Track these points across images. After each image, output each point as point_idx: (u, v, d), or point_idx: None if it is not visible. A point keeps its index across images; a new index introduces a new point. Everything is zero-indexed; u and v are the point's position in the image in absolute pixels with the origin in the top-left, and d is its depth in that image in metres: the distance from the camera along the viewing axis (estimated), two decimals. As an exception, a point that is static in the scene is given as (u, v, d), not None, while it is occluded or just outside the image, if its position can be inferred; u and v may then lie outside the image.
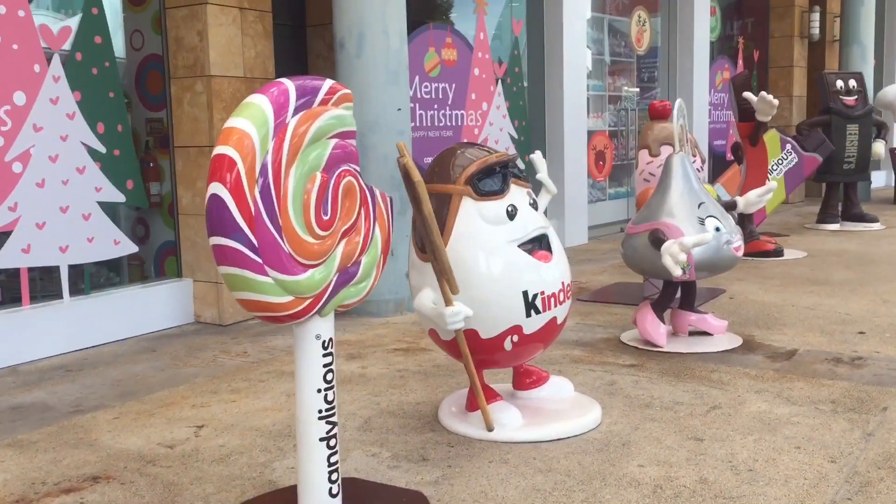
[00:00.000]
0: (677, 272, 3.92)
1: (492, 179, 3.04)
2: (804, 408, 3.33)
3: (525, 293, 3.00)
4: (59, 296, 4.68)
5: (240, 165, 2.02)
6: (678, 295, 4.52)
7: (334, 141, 2.26)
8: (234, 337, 4.83)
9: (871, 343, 4.31)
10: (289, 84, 2.16)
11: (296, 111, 2.15)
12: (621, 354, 4.22)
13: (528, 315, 3.02)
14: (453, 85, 7.22)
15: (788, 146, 8.76)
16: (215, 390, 3.78)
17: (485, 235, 3.01)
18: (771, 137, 8.80)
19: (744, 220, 7.33)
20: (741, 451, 2.90)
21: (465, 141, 3.41)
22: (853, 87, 9.40)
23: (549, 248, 3.14)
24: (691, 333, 4.52)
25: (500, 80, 7.77)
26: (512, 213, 3.04)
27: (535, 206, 3.16)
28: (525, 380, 3.41)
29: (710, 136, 11.25)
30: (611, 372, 3.90)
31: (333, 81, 2.29)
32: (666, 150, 5.37)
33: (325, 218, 2.23)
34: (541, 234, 3.13)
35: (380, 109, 5.13)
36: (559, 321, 3.14)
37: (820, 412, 3.28)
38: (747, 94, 6.89)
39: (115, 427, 3.33)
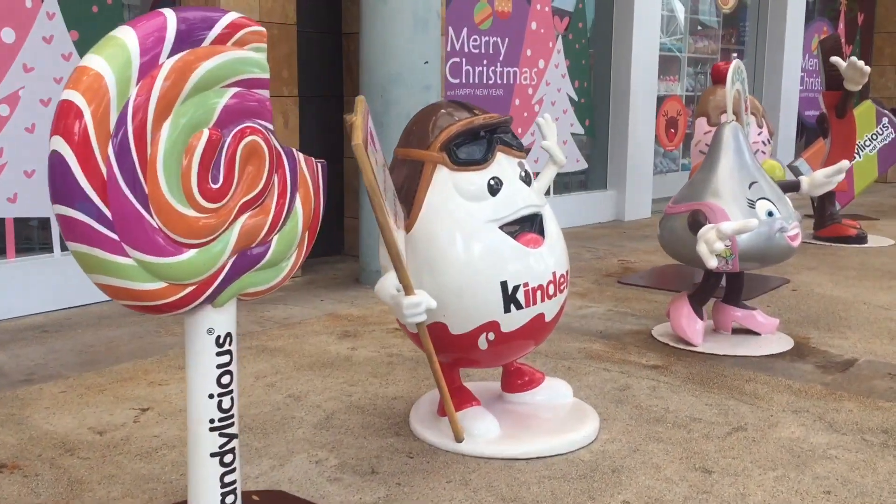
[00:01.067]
0: (712, 262, 3.34)
1: (473, 146, 2.55)
2: (848, 437, 2.75)
3: (504, 284, 2.51)
4: (50, 250, 4.41)
5: (87, 116, 1.59)
6: (723, 286, 3.94)
7: (234, 90, 1.81)
8: (233, 303, 4.49)
9: None
10: (168, 14, 1.71)
11: (175, 49, 1.70)
12: (647, 352, 3.68)
13: (508, 310, 2.52)
14: (506, 39, 6.65)
15: (885, 120, 7.87)
16: (182, 365, 3.43)
17: (460, 212, 2.52)
18: (865, 109, 7.94)
19: (824, 202, 6.60)
20: (755, 493, 2.36)
21: (455, 99, 2.85)
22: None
23: (541, 232, 2.63)
24: (735, 331, 3.94)
25: (560, 36, 7.14)
26: (495, 188, 2.54)
27: (527, 179, 2.65)
28: (515, 381, 2.93)
29: (801, 105, 10.33)
30: (627, 374, 3.38)
31: (240, 15, 1.83)
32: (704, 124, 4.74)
33: (215, 186, 1.79)
34: (532, 213, 2.62)
35: (404, 61, 4.64)
36: (548, 318, 2.63)
37: (867, 444, 2.69)
38: (835, 59, 6.10)
39: (55, 403, 3.01)
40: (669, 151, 8.75)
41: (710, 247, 3.30)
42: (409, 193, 2.56)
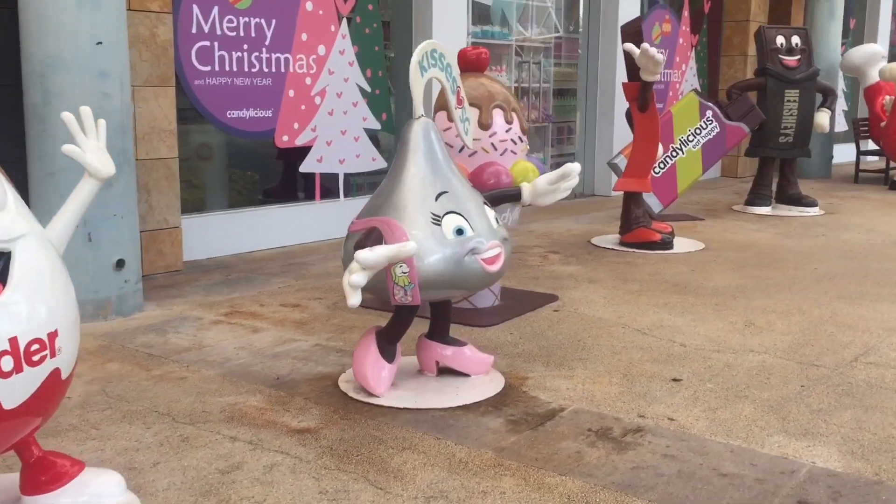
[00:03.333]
0: (352, 300, 2.61)
1: None
2: (472, 542, 2.06)
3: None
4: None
5: None
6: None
7: None
8: None
9: (676, 401, 3.03)
10: None
11: None
12: (310, 409, 2.94)
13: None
14: (272, 21, 5.83)
15: (709, 113, 7.39)
16: None
17: None
18: (688, 102, 7.46)
19: (629, 203, 6.04)
20: None
21: None
22: (796, 44, 7.98)
23: (2, 278, 1.84)
24: (443, 372, 3.24)
25: (344, 19, 6.37)
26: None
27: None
28: (36, 477, 2.13)
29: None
30: (255, 445, 2.62)
31: None
32: (471, 115, 4.04)
33: None
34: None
35: (69, 41, 3.78)
36: (6, 406, 1.83)
37: (488, 555, 2.00)
38: (627, 46, 5.51)
39: None
40: (489, 147, 8.08)
41: (351, 282, 2.57)
42: None
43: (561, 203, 7.70)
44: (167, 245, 5.02)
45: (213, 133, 5.74)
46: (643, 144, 5.95)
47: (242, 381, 3.19)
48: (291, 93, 6.00)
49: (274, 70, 5.88)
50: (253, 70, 5.75)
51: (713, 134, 7.41)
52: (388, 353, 3.08)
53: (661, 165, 7.37)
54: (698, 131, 7.40)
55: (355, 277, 2.54)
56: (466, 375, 3.23)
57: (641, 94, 5.73)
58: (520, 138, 4.17)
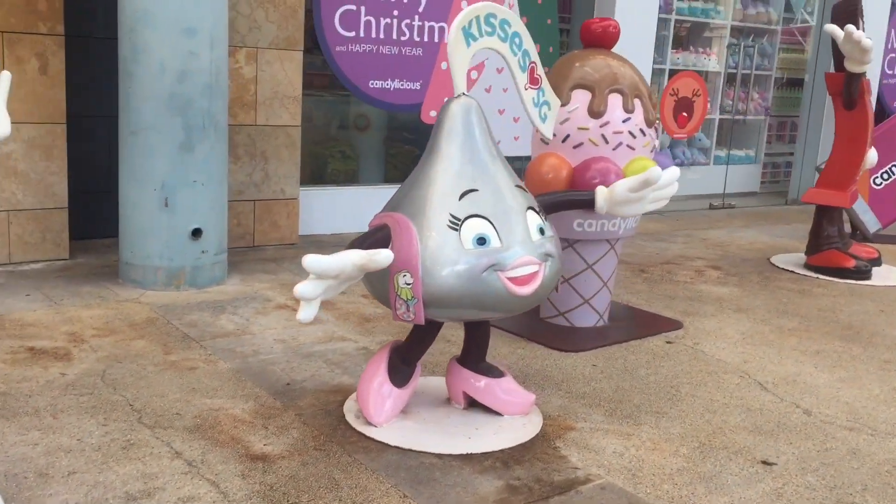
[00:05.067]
0: (301, 314, 2.13)
1: None
2: None
3: None
4: None
5: None
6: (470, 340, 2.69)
7: None
8: None
9: (750, 494, 2.27)
10: None
11: None
12: (294, 428, 2.51)
13: None
14: (429, -13, 5.42)
15: (957, 117, 6.05)
16: None
17: None
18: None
19: (822, 217, 5.02)
20: None
21: None
22: None
23: None
24: (475, 403, 2.69)
25: (514, -12, 5.82)
26: None
27: None
28: None
29: (888, 95, 8.37)
30: (192, 467, 2.24)
31: None
32: (581, 98, 3.40)
33: None
34: None
35: (156, -6, 3.60)
36: None
37: None
38: (829, 28, 4.50)
39: None
40: (680, 140, 7.19)
41: (303, 292, 2.10)
42: None
43: (762, 209, 6.57)
44: (283, 217, 4.82)
45: (353, 103, 5.46)
46: (845, 149, 4.89)
47: (249, 381, 2.84)
48: (444, 65, 5.56)
49: (426, 39, 5.47)
50: (403, 38, 5.38)
51: (961, 143, 6.06)
52: (399, 376, 2.58)
53: (885, 176, 6.15)
54: (941, 138, 6.07)
55: (302, 287, 2.07)
56: (499, 414, 2.66)
57: (846, 88, 4.69)
58: (641, 131, 3.44)
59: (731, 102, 7.48)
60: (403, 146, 6.31)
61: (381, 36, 5.27)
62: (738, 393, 3.01)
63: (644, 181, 2.62)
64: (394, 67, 5.37)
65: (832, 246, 4.98)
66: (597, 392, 2.94)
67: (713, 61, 7.52)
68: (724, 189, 7.56)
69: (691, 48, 7.45)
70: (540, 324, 3.68)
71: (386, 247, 2.37)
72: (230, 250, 4.50)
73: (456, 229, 2.34)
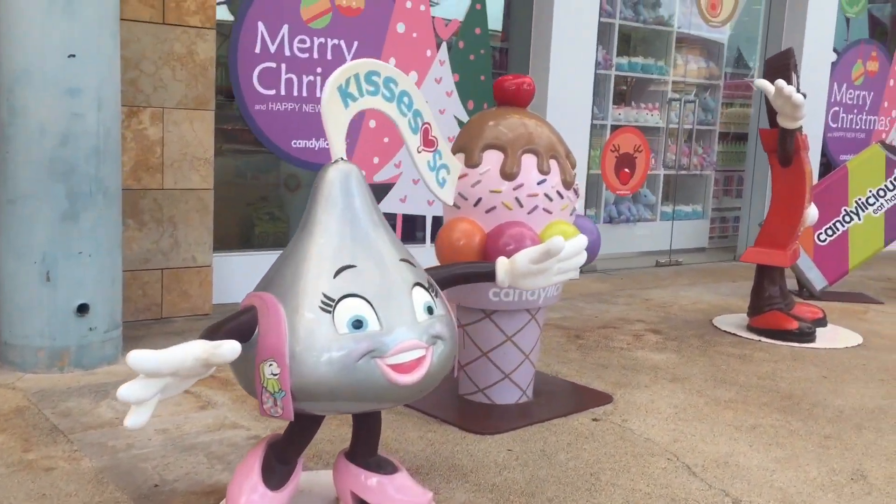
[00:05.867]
0: (129, 419, 1.84)
1: None
2: None
3: None
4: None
5: None
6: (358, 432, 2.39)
7: None
8: None
9: None
10: None
11: None
12: (147, 540, 2.20)
13: None
14: (354, 43, 5.22)
15: (899, 171, 5.96)
16: None
17: None
18: (871, 156, 6.08)
19: (763, 277, 4.83)
20: None
21: None
22: None
23: None
24: (363, 505, 2.39)
25: (443, 43, 5.65)
26: None
27: None
28: None
29: (833, 148, 8.33)
30: None
31: None
32: (493, 160, 3.17)
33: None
34: None
35: (36, 53, 3.33)
36: None
37: None
38: (759, 83, 4.36)
39: None
40: (623, 196, 7.03)
41: (127, 392, 1.81)
42: None
43: (709, 265, 6.36)
44: (194, 286, 4.51)
45: (283, 163, 5.21)
46: (783, 207, 4.72)
47: (112, 483, 2.51)
48: (372, 123, 5.35)
49: (352, 97, 5.26)
50: (316, 95, 5.16)
51: (902, 197, 5.96)
52: (275, 477, 2.27)
53: (830, 232, 6.03)
54: (882, 193, 5.98)
55: (127, 389, 1.78)
56: (388, 514, 2.36)
57: (780, 145, 4.54)
58: (559, 193, 3.21)
59: (674, 157, 7.35)
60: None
61: (304, 94, 5.05)
62: (664, 479, 2.74)
63: (545, 252, 2.37)
64: (318, 126, 5.14)
65: (774, 307, 4.78)
66: (508, 483, 2.65)
67: (656, 117, 7.41)
68: (670, 245, 7.39)
69: (633, 104, 7.34)
70: (457, 401, 3.40)
71: (251, 332, 2.10)
72: (132, 324, 4.18)
73: (329, 311, 2.07)
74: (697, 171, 7.86)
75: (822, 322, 4.99)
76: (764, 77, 4.55)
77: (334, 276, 2.11)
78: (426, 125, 2.52)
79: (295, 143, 5.08)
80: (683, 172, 7.65)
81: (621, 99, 7.34)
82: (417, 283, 2.21)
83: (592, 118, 6.81)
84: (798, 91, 4.71)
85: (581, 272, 6.45)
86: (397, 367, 2.08)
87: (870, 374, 4.09)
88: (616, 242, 7.22)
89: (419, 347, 2.12)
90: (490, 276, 2.49)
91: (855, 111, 8.50)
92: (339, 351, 2.04)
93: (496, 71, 6.07)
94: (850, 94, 8.42)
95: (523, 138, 3.21)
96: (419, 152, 2.50)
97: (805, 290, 6.01)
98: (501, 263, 2.47)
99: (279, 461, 2.29)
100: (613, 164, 6.65)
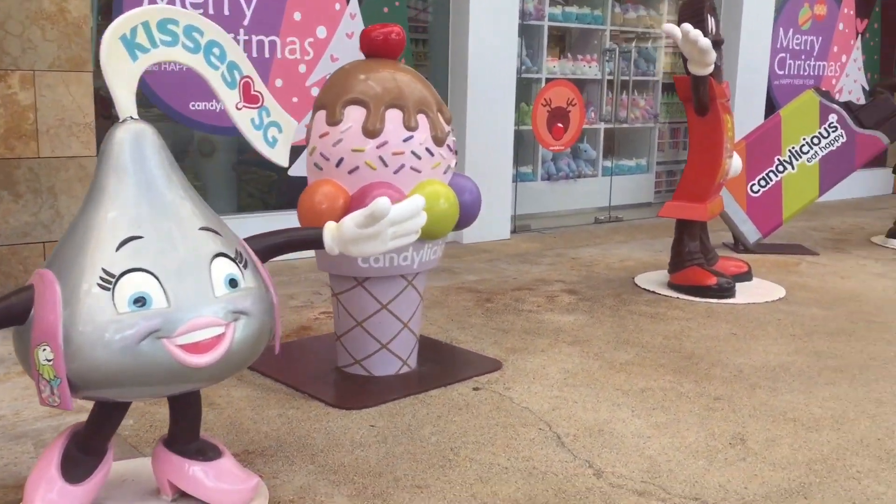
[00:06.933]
0: None
1: None
2: None
3: None
4: None
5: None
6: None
7: None
8: None
9: None
10: None
11: None
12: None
13: None
14: (253, -2, 4.94)
15: (833, 117, 5.80)
16: None
17: None
18: (804, 103, 5.90)
19: (682, 232, 4.66)
20: None
21: None
22: (970, 31, 6.07)
23: None
24: (186, 495, 2.20)
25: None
26: None
27: None
28: None
29: (780, 96, 8.12)
30: None
31: None
32: (355, 116, 2.95)
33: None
34: None
35: None
36: None
37: None
38: (667, 27, 4.14)
39: None
40: (558, 152, 6.82)
41: None
42: None
43: (651, 221, 6.28)
44: (83, 258, 4.28)
45: (172, 128, 4.96)
46: (701, 158, 4.53)
47: (-73, 478, 2.33)
48: (279, 82, 5.11)
49: (255, 55, 5.01)
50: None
51: (837, 144, 5.80)
52: (78, 470, 2.08)
53: (763, 183, 5.85)
54: (816, 140, 5.80)
55: None
56: (222, 504, 2.18)
57: (694, 93, 4.33)
58: (428, 151, 3.00)
59: (610, 109, 7.13)
60: (259, 171, 5.83)
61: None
62: (528, 451, 2.58)
63: (370, 215, 2.17)
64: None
65: (694, 262, 4.61)
66: (358, 463, 2.48)
67: (595, 68, 7.17)
68: (609, 201, 7.20)
69: (569, 55, 7.10)
70: (333, 374, 3.22)
71: (25, 314, 1.90)
72: (8, 301, 3.96)
73: (108, 289, 1.87)
74: (640, 124, 7.64)
75: (746, 276, 4.84)
76: (679, 22, 4.33)
77: (117, 249, 1.91)
78: (246, 79, 2.30)
79: (193, 106, 4.83)
80: (626, 126, 7.44)
81: (556, 51, 7.09)
82: (221, 254, 2.01)
83: (525, 71, 6.58)
84: (717, 35, 4.52)
85: (515, 231, 6.34)
86: (189, 347, 1.89)
87: (782, 330, 3.94)
88: (555, 200, 7.04)
89: (216, 325, 1.93)
90: (318, 243, 2.28)
91: (802, 57, 8.29)
92: (118, 332, 1.84)
93: (413, 24, 5.82)
94: (798, 39, 8.20)
95: (389, 93, 2.99)
96: (239, 109, 2.28)
97: (741, 244, 5.85)
98: (328, 229, 2.27)
99: (83, 452, 2.10)
100: (546, 119, 6.42)
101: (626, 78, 7.20)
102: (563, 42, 7.27)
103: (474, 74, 5.79)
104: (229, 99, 2.27)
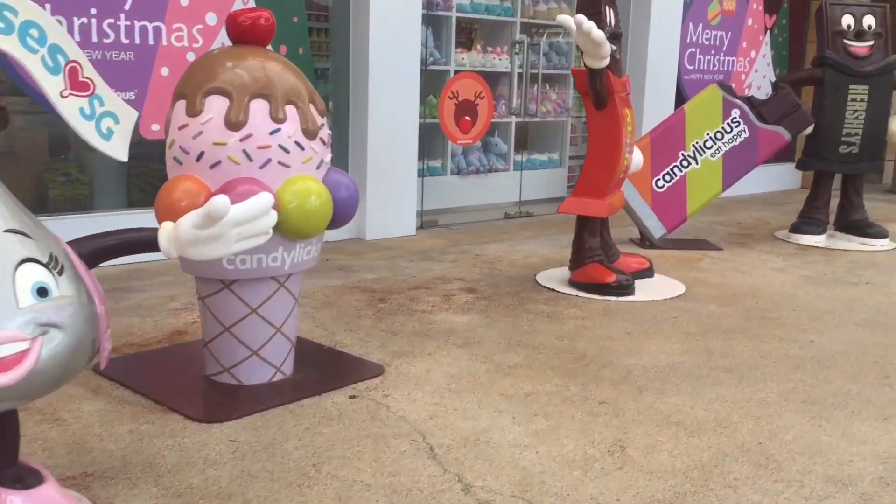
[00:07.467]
0: None
1: None
2: None
3: None
4: None
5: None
6: None
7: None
8: None
9: None
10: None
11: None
12: None
13: None
14: None
15: (735, 112, 5.79)
16: None
17: None
18: (708, 97, 5.87)
19: (583, 229, 4.56)
20: None
21: None
22: (869, 27, 6.14)
23: None
24: (4, 525, 1.99)
25: None
26: None
27: None
28: None
29: (690, 91, 8.14)
30: None
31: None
32: (217, 107, 2.74)
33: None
34: None
35: None
36: None
37: None
38: (560, 18, 4.04)
39: None
40: (467, 146, 6.68)
41: None
42: None
43: (562, 216, 6.13)
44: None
45: (49, 119, 4.65)
46: (600, 153, 4.44)
47: None
48: (165, 71, 4.84)
49: (139, 42, 4.73)
50: (106, 41, 4.61)
51: (740, 139, 5.79)
52: None
53: (668, 178, 5.81)
54: (720, 136, 5.79)
55: None
56: (35, 535, 1.97)
57: (591, 86, 4.23)
58: (298, 144, 2.81)
59: (520, 103, 7.02)
60: (151, 164, 5.53)
61: (77, 38, 4.49)
62: (396, 466, 2.42)
63: (206, 215, 1.98)
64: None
65: (594, 259, 4.52)
66: (207, 484, 2.29)
67: (505, 61, 7.06)
68: (519, 196, 7.11)
69: (478, 48, 6.97)
70: (199, 384, 3.02)
71: None
72: None
73: None
74: (552, 118, 7.57)
75: (647, 273, 4.78)
76: (577, 12, 4.22)
77: None
78: (73, 63, 2.08)
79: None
80: (538, 120, 7.35)
81: (465, 43, 6.95)
82: (29, 259, 1.79)
83: (433, 63, 6.43)
84: (615, 28, 4.44)
85: (421, 227, 6.19)
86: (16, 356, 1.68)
87: (677, 328, 3.87)
88: (465, 195, 6.91)
89: (18, 339, 1.71)
90: (154, 245, 2.08)
91: (712, 52, 8.32)
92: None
93: (312, 12, 5.60)
94: (707, 34, 8.23)
95: (256, 82, 2.79)
96: (65, 97, 2.07)
97: (647, 240, 5.81)
98: (164, 230, 2.07)
99: None
100: (453, 112, 6.27)
101: (536, 71, 7.10)
102: (472, 34, 7.13)
103: (376, 65, 5.60)
104: (52, 86, 2.05)
